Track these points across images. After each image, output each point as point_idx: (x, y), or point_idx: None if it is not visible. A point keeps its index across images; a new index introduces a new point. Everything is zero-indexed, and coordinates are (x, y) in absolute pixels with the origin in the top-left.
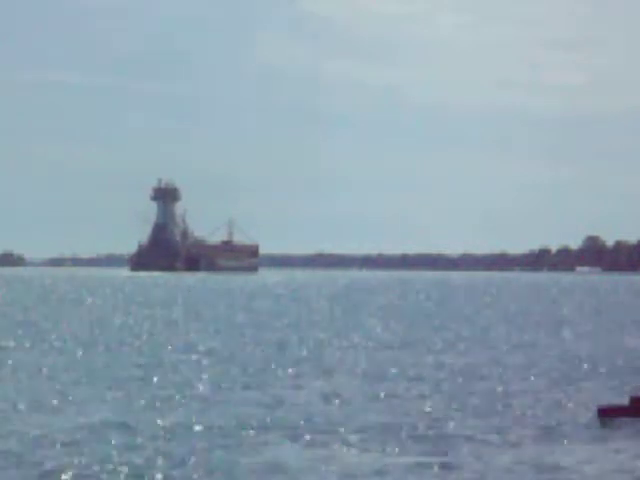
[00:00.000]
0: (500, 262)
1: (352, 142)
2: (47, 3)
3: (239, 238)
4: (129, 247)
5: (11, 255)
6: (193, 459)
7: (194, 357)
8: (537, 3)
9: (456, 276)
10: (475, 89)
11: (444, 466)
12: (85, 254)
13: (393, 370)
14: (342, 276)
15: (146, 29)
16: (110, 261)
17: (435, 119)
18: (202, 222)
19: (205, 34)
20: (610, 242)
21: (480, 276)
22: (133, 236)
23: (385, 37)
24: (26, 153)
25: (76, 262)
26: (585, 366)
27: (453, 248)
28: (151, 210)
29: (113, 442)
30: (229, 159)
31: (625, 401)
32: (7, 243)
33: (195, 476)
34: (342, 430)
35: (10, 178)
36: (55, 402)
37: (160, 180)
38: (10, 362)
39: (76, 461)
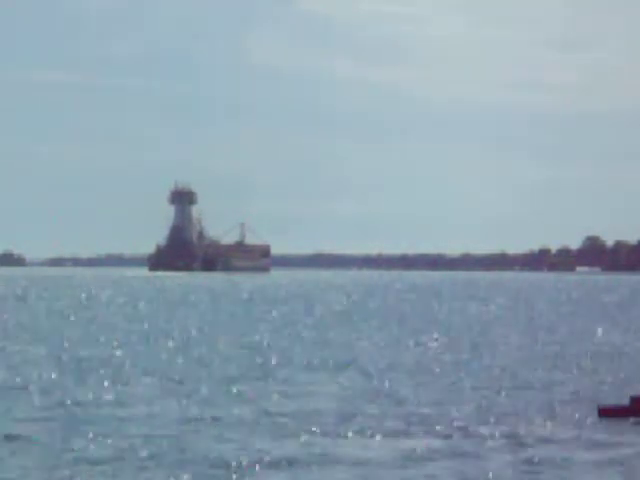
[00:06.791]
0: (500, 262)
1: (352, 142)
2: (49, 4)
3: (250, 239)
4: (128, 247)
5: (11, 255)
6: None
7: None
8: (537, 3)
9: (457, 276)
10: (475, 89)
11: (448, 465)
12: (85, 254)
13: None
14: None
15: (147, 29)
16: (110, 261)
17: (435, 119)
18: (211, 223)
19: (205, 34)
20: (610, 242)
21: (480, 276)
22: (133, 236)
23: (385, 37)
24: (26, 153)
25: (76, 262)
26: (585, 365)
27: (453, 248)
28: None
29: None
30: (231, 161)
31: (625, 401)
32: (7, 243)
33: None
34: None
35: (10, 178)
36: None
37: (176, 183)
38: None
39: None
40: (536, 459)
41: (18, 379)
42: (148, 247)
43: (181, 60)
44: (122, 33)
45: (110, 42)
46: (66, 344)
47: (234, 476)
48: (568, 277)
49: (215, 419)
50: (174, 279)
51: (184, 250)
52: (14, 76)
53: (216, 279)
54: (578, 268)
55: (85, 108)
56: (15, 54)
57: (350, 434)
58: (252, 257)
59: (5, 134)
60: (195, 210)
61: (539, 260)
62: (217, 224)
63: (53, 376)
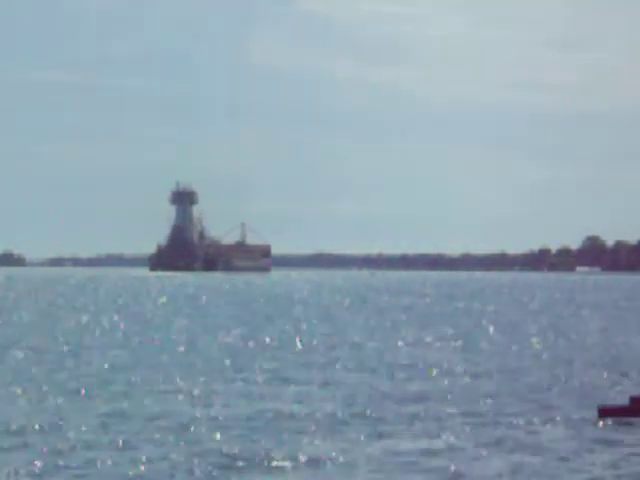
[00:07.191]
0: (500, 262)
1: (352, 142)
2: (49, 4)
3: (251, 239)
4: (129, 247)
5: (11, 255)
6: None
7: None
8: (537, 3)
9: (457, 276)
10: (475, 89)
11: (444, 465)
12: (85, 254)
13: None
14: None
15: (147, 29)
16: (110, 261)
17: (435, 119)
18: (212, 223)
19: (205, 34)
20: (610, 242)
21: (480, 276)
22: (133, 236)
23: (385, 37)
24: (26, 153)
25: (76, 262)
26: (585, 365)
27: (453, 248)
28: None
29: None
30: (231, 161)
31: (625, 401)
32: (7, 243)
33: None
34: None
35: (10, 178)
36: None
37: (177, 183)
38: None
39: None
40: (536, 459)
41: (20, 380)
42: (149, 247)
43: (181, 60)
44: (122, 33)
45: (110, 42)
46: (68, 344)
47: (235, 476)
48: (568, 277)
49: (215, 418)
50: (175, 279)
51: (185, 250)
52: (14, 76)
53: (217, 279)
54: (578, 268)
55: (85, 108)
56: (15, 54)
57: (348, 434)
58: (253, 257)
59: (5, 134)
60: (196, 210)
61: (539, 260)
62: (218, 224)
63: (58, 376)
